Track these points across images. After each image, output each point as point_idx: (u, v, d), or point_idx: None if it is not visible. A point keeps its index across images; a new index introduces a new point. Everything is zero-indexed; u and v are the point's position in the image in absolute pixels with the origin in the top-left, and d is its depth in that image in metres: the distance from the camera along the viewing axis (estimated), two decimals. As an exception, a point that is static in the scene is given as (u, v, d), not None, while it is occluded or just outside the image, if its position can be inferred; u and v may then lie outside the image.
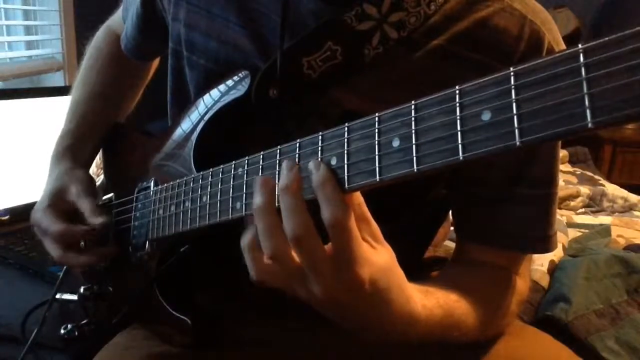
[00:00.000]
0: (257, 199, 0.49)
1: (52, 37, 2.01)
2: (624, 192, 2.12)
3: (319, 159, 0.47)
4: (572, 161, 2.63)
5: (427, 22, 0.64)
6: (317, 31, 0.64)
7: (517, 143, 0.34)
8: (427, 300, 0.58)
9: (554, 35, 0.66)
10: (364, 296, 0.49)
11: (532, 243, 0.71)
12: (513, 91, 0.34)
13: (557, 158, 0.70)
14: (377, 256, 0.49)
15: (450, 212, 0.79)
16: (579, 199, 2.06)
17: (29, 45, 2.01)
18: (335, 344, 0.74)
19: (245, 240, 0.51)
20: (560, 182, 2.22)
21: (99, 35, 1.03)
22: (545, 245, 0.71)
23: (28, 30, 1.99)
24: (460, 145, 0.37)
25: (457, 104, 0.38)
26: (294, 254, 0.48)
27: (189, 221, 0.65)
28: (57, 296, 0.86)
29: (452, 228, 0.94)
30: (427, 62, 0.64)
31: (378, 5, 0.62)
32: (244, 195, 0.55)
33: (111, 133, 0.95)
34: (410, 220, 0.75)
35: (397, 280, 0.52)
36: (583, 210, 2.04)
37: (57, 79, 2.02)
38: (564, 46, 0.66)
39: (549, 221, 0.70)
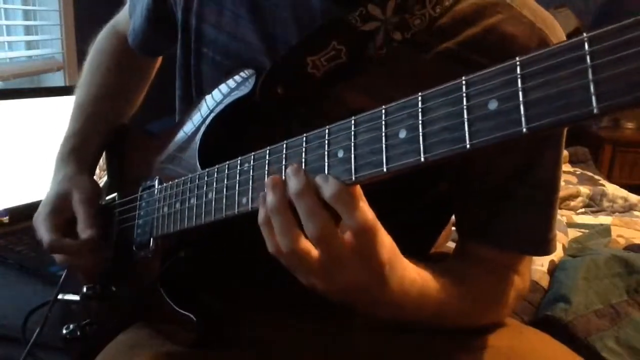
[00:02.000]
0: (269, 199, 0.51)
1: (52, 37, 2.02)
2: (624, 192, 2.12)
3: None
4: (572, 161, 2.63)
5: (434, 25, 0.64)
6: (322, 31, 0.64)
7: (524, 130, 0.34)
8: (422, 271, 0.61)
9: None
10: (384, 276, 0.52)
11: (531, 245, 0.72)
12: (519, 80, 0.35)
13: (559, 163, 0.70)
14: (384, 235, 0.52)
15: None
16: (579, 199, 2.06)
17: (29, 45, 2.02)
18: (336, 345, 0.75)
19: (260, 217, 0.52)
20: (561, 182, 2.22)
21: (103, 36, 1.03)
22: (545, 248, 0.71)
23: (28, 30, 2.00)
24: (467, 134, 0.38)
25: (464, 94, 0.38)
26: (315, 250, 0.50)
27: (194, 217, 0.65)
28: (59, 296, 0.86)
29: (453, 228, 0.94)
30: (434, 64, 0.65)
31: (382, 6, 0.62)
32: (250, 189, 0.56)
33: (115, 133, 0.95)
34: (414, 222, 0.75)
35: (395, 248, 0.55)
36: (583, 210, 2.04)
37: (57, 79, 2.03)
38: None
39: (549, 224, 0.71)
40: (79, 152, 0.90)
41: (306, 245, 0.50)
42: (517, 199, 0.69)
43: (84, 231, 0.80)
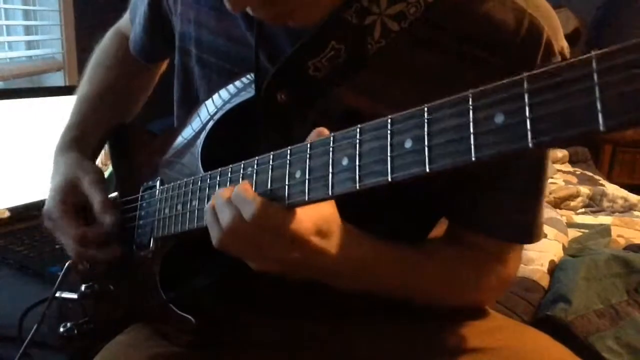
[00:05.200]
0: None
1: (52, 37, 2.01)
2: (624, 192, 2.12)
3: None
4: (572, 161, 2.63)
5: (427, 15, 0.63)
6: (320, 32, 0.64)
7: (530, 145, 0.34)
8: (374, 240, 0.64)
9: (554, 31, 0.65)
10: (310, 244, 0.55)
11: (514, 232, 0.72)
12: (526, 95, 0.35)
13: (544, 152, 0.70)
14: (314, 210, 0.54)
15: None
16: (579, 199, 2.06)
17: (29, 45, 2.01)
18: (335, 345, 0.75)
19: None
20: (560, 182, 2.22)
21: (108, 37, 1.04)
22: (528, 235, 0.71)
23: (28, 30, 2.00)
24: (472, 147, 0.38)
25: (470, 107, 0.38)
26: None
27: (195, 220, 0.65)
28: (57, 294, 0.85)
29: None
30: (427, 57, 0.64)
31: None
32: None
33: (117, 133, 0.95)
34: (402, 220, 0.75)
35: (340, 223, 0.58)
36: (583, 210, 2.04)
37: (57, 79, 2.02)
38: (564, 42, 0.66)
39: (534, 212, 0.71)
40: (80, 142, 0.90)
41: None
42: (500, 187, 0.69)
43: (105, 216, 0.79)
